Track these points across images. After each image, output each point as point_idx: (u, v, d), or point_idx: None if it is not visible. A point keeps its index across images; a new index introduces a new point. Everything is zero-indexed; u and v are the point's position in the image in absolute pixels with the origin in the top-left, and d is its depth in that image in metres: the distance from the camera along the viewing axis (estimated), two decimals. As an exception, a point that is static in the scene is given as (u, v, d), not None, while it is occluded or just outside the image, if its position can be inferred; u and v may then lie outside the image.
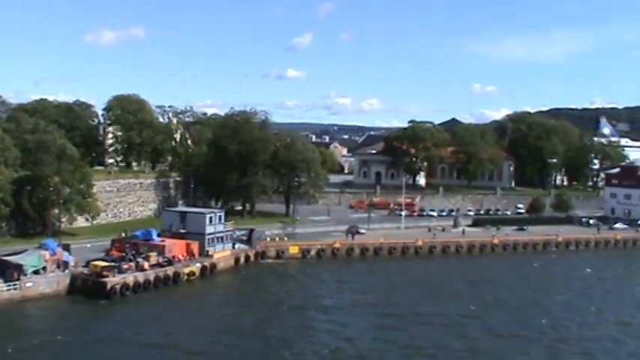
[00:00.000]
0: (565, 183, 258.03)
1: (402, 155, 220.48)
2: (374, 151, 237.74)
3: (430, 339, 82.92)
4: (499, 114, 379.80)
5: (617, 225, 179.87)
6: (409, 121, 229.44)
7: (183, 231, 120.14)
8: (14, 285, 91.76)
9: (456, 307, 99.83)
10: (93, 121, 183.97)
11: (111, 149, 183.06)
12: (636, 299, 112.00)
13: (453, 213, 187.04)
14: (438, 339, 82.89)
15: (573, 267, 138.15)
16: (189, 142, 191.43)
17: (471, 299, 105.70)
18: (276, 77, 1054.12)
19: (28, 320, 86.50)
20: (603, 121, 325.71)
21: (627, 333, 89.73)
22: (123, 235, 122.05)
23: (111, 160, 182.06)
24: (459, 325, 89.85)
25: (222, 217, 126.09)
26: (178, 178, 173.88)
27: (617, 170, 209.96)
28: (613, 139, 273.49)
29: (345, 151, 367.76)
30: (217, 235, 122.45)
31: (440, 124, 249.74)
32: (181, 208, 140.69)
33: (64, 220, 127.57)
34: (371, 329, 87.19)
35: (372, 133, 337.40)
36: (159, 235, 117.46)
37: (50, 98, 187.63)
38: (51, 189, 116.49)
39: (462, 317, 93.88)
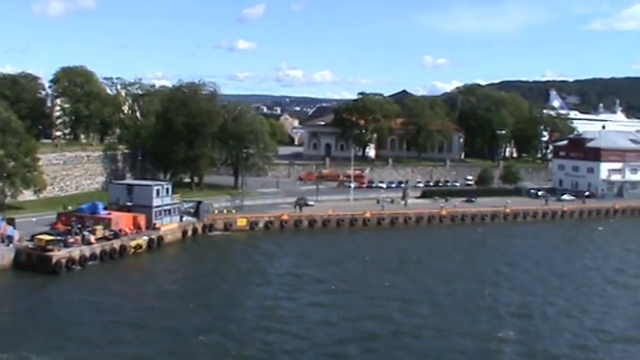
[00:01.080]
0: (514, 155, 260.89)
1: (351, 127, 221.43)
2: (322, 123, 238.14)
3: (370, 311, 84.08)
4: (451, 86, 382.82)
5: (565, 196, 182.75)
6: (358, 93, 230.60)
7: (130, 204, 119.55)
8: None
9: (401, 278, 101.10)
10: (40, 93, 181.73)
11: (58, 122, 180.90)
12: (559, 266, 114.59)
13: (403, 185, 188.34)
14: (379, 311, 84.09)
15: (516, 237, 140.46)
16: (137, 114, 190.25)
17: (414, 270, 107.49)
18: (228, 49, 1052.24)
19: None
20: (553, 93, 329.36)
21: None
22: (62, 209, 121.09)
23: (59, 133, 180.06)
24: (402, 296, 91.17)
25: (170, 190, 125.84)
26: (126, 151, 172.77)
27: (564, 142, 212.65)
28: (562, 111, 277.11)
29: (296, 122, 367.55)
30: (164, 207, 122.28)
31: (390, 96, 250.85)
32: (128, 181, 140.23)
33: (9, 193, 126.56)
34: (313, 302, 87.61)
35: (324, 104, 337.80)
36: (105, 209, 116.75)
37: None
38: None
39: (404, 289, 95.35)
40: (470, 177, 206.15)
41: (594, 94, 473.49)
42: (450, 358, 68.25)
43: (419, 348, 70.82)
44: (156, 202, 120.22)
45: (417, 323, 78.60)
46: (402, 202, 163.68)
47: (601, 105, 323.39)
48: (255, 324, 77.01)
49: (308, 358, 67.06)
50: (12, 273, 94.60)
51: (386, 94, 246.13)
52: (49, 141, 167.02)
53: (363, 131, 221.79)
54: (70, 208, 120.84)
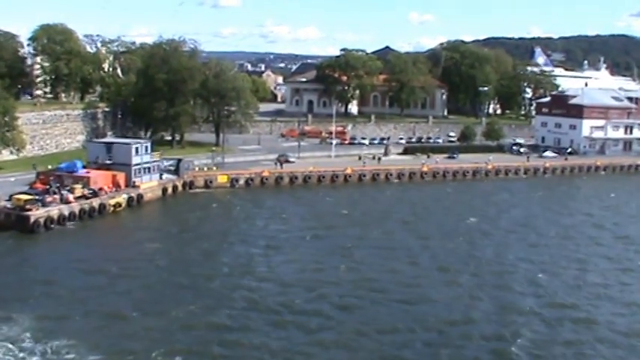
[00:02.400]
0: (498, 112, 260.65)
1: (333, 83, 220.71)
2: (304, 79, 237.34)
3: (345, 264, 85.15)
4: (436, 42, 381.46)
5: (547, 153, 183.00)
6: (341, 49, 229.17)
7: (109, 162, 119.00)
8: None
9: (377, 233, 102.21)
10: (18, 51, 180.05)
11: (38, 80, 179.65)
12: (537, 222, 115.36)
13: (385, 141, 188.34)
14: (352, 265, 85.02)
15: (495, 194, 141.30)
16: (118, 71, 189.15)
17: (390, 225, 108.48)
18: (212, 5, 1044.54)
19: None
20: (538, 50, 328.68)
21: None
22: (33, 169, 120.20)
23: (39, 92, 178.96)
24: (376, 251, 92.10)
25: (149, 148, 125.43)
26: (107, 109, 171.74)
27: (547, 99, 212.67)
28: (546, 68, 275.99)
29: (280, 79, 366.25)
30: (144, 165, 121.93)
31: (373, 53, 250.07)
32: (107, 139, 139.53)
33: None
34: (289, 259, 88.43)
35: (309, 61, 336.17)
36: (84, 167, 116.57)
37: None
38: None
39: (380, 243, 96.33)
40: (452, 134, 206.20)
41: (579, 51, 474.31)
42: (422, 309, 69.07)
43: (390, 297, 72.37)
44: (135, 160, 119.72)
45: (390, 277, 79.95)
46: (384, 159, 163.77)
47: (586, 62, 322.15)
48: (233, 281, 77.54)
49: (284, 315, 67.42)
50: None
51: (370, 51, 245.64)
52: (29, 99, 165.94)
53: (346, 88, 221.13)
54: (38, 168, 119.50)
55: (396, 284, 77.54)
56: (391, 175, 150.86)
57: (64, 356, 56.19)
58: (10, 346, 57.59)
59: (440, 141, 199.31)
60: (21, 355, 56.25)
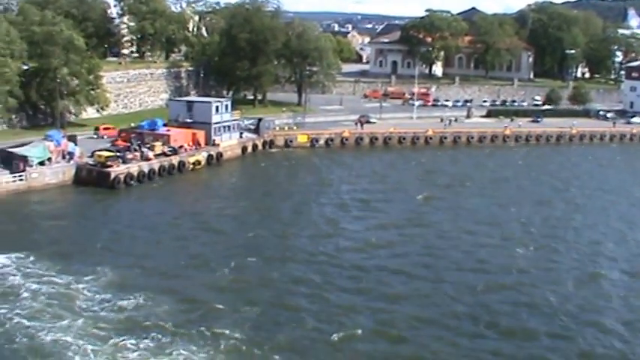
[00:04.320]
0: (586, 75, 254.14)
1: (418, 44, 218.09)
2: (387, 40, 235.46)
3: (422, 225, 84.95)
4: (524, 3, 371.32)
5: (635, 119, 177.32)
6: (426, 10, 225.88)
7: (189, 120, 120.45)
8: (20, 176, 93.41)
9: (458, 196, 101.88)
10: (106, 12, 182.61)
11: (124, 40, 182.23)
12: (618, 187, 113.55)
13: (468, 104, 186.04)
14: (426, 222, 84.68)
15: (575, 158, 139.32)
16: (203, 31, 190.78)
17: (474, 188, 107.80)
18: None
19: (35, 208, 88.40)
20: (631, 12, 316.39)
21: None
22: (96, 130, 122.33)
23: (125, 51, 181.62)
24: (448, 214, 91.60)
25: (229, 107, 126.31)
26: (190, 68, 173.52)
27: (638, 63, 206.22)
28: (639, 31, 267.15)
29: (367, 40, 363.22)
30: (224, 124, 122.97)
31: (459, 14, 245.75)
32: (188, 97, 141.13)
33: (73, 111, 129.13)
34: (371, 218, 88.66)
35: (395, 22, 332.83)
36: (165, 125, 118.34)
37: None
38: (58, 81, 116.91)
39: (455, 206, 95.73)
40: (538, 97, 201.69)
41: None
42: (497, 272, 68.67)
43: (458, 259, 72.31)
44: (215, 118, 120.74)
45: (470, 239, 79.91)
46: (467, 121, 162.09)
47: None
48: (312, 238, 78.68)
49: (362, 271, 68.15)
50: (72, 188, 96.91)
51: (455, 12, 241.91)
52: (115, 59, 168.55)
53: (430, 49, 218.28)
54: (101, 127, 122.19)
55: (473, 245, 77.60)
56: (472, 137, 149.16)
57: (144, 306, 57.52)
58: (95, 296, 59.30)
59: (525, 104, 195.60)
60: (104, 304, 57.61)
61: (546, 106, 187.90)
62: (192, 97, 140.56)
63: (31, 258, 66.73)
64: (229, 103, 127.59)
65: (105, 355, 49.47)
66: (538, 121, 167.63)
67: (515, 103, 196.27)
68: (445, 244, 77.60)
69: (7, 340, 50.89)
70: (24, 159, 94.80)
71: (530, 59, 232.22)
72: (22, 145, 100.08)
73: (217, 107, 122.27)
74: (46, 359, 48.89)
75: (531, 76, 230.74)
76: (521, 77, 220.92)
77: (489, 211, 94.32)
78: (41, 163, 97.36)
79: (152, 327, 53.70)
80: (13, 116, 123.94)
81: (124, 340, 51.48)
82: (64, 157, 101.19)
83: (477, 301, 61.41)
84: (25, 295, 58.38)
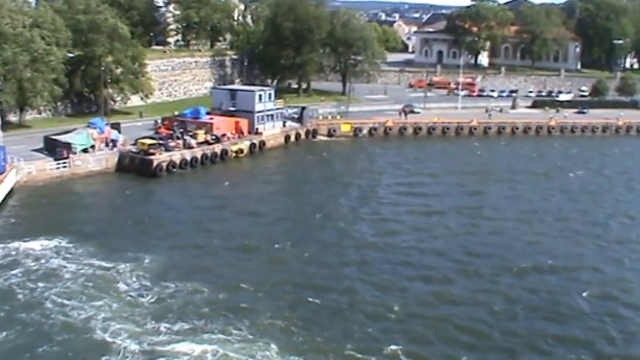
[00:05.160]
0: (635, 66, 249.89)
1: (463, 34, 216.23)
2: (432, 30, 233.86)
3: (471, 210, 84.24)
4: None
5: None
6: (472, 0, 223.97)
7: (232, 109, 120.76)
8: (63, 163, 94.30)
9: (504, 187, 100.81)
10: (151, 0, 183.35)
11: (170, 28, 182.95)
12: None
13: (514, 94, 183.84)
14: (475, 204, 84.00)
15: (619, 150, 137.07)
16: (248, 20, 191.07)
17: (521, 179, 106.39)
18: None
19: (77, 194, 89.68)
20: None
21: None
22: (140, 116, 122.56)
23: (170, 40, 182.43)
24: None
25: (272, 95, 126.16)
26: (235, 57, 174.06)
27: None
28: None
29: (413, 29, 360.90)
30: (267, 112, 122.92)
31: (505, 4, 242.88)
32: (231, 86, 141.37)
33: (117, 99, 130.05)
34: (414, 209, 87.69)
35: (442, 11, 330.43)
36: (208, 114, 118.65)
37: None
38: (102, 69, 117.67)
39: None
40: (584, 88, 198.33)
41: None
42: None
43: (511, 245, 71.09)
44: (258, 107, 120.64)
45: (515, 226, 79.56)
46: (512, 112, 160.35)
47: None
48: (351, 225, 78.69)
49: (407, 256, 68.43)
50: (115, 176, 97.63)
51: (502, 2, 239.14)
52: (160, 48, 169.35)
53: (476, 39, 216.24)
54: (144, 116, 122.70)
55: (520, 233, 77.50)
56: (517, 128, 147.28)
57: (182, 291, 57.95)
58: (134, 280, 60.13)
59: (570, 95, 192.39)
60: (142, 288, 58.39)
61: (566, 96, 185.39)
62: (236, 86, 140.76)
63: (73, 242, 67.78)
64: (272, 92, 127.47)
65: (136, 336, 50.05)
66: (584, 113, 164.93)
67: (561, 94, 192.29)
68: (504, 237, 76.70)
69: (43, 315, 52.36)
70: (68, 146, 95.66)
71: (578, 50, 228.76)
72: (66, 132, 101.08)
73: (260, 96, 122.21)
74: (78, 335, 49.92)
75: (579, 66, 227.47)
76: (568, 68, 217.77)
77: (548, 202, 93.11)
78: (85, 151, 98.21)
79: (189, 312, 54.16)
80: (59, 104, 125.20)
81: (158, 323, 51.97)
82: (107, 145, 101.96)
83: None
84: (66, 276, 59.65)
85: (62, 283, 58.25)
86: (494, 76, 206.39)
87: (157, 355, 47.94)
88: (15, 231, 71.57)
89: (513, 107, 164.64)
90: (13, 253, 64.79)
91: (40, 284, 57.69)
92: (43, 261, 62.79)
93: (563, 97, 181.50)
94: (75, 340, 49.46)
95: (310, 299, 57.33)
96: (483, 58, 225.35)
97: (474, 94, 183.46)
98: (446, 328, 53.24)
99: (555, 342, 51.91)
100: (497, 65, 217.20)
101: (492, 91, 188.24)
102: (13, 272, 60.24)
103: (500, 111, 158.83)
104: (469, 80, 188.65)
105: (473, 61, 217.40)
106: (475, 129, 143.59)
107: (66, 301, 54.69)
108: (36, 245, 66.67)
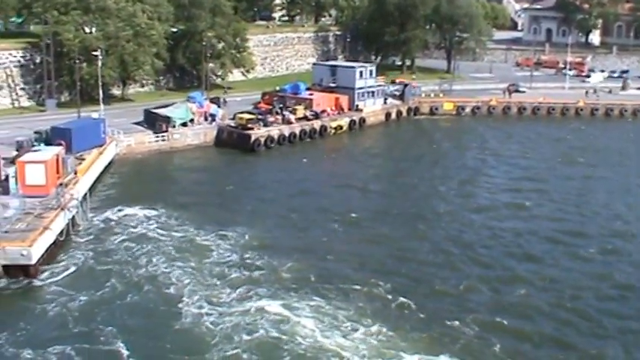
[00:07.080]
0: None
1: (574, 11, 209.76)
2: (541, 7, 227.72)
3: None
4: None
5: None
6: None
7: (333, 85, 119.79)
8: (162, 136, 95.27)
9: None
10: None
11: (274, 4, 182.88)
12: None
13: (625, 75, 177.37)
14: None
15: None
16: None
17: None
18: None
19: (175, 167, 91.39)
20: None
21: None
22: (225, 93, 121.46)
23: (275, 15, 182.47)
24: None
25: (374, 72, 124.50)
26: (338, 33, 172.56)
27: None
28: None
29: (523, 6, 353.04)
30: (368, 89, 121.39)
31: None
32: (332, 62, 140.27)
33: (219, 73, 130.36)
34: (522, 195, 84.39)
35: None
36: (308, 89, 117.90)
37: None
38: (204, 44, 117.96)
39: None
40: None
41: None
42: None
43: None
44: (359, 83, 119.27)
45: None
46: (621, 93, 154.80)
47: None
48: (451, 209, 76.66)
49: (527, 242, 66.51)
50: (213, 150, 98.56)
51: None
52: (264, 23, 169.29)
53: (587, 16, 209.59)
54: (228, 92, 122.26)
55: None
56: (626, 111, 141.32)
57: (274, 262, 58.42)
58: (226, 249, 61.23)
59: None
60: (234, 258, 59.41)
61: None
62: (337, 62, 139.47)
63: (169, 211, 69.67)
64: (374, 69, 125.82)
65: (214, 298, 51.92)
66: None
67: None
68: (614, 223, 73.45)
69: (135, 270, 56.38)
70: (167, 120, 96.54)
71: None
72: (166, 106, 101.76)
73: (361, 72, 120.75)
74: (159, 289, 53.42)
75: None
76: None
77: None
78: (184, 124, 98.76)
79: (279, 280, 55.45)
80: (161, 78, 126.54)
81: (244, 289, 53.52)
82: (206, 119, 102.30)
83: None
84: (160, 240, 62.53)
85: (156, 246, 61.06)
86: (605, 56, 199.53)
87: (228, 314, 49.54)
88: (114, 199, 74.14)
89: (623, 88, 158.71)
90: (115, 218, 67.80)
91: (136, 245, 60.91)
92: (140, 227, 65.38)
93: None
94: (156, 292, 52.85)
95: (406, 272, 57.60)
96: (595, 37, 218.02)
97: (583, 74, 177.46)
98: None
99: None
100: (609, 44, 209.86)
101: (602, 71, 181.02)
102: (114, 235, 63.47)
103: (610, 92, 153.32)
104: (579, 60, 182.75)
105: (584, 40, 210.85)
106: (582, 110, 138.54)
107: (155, 261, 57.95)
108: (133, 212, 69.17)
